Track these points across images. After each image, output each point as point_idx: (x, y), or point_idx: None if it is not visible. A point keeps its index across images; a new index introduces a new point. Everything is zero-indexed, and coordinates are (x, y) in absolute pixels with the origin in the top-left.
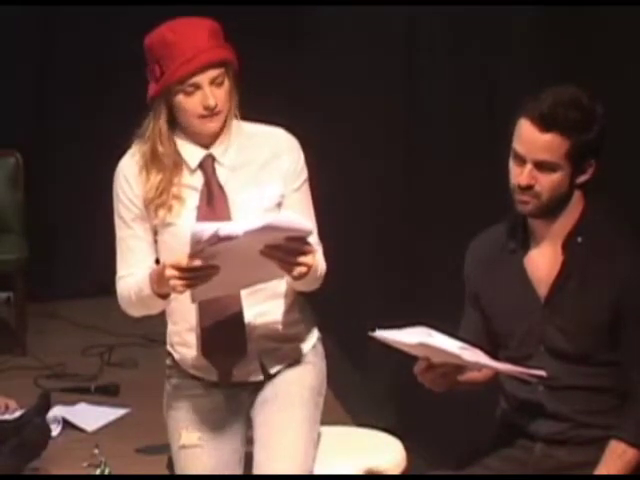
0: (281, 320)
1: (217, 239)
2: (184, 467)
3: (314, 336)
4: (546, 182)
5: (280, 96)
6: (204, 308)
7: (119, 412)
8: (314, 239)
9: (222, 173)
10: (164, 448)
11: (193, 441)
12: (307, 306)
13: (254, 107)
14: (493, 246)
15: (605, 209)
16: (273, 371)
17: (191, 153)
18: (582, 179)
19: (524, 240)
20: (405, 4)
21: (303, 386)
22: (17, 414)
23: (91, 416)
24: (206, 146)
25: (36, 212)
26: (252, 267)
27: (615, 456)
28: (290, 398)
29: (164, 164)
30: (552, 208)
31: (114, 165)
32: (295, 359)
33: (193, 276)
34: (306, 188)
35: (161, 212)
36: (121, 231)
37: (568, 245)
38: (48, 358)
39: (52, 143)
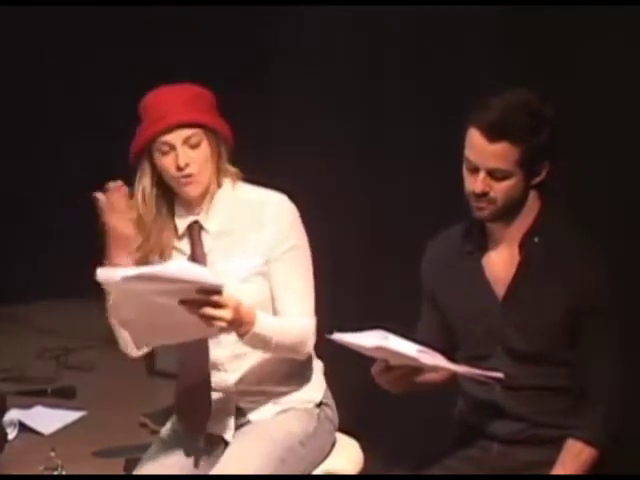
0: (266, 386)
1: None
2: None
3: (312, 401)
4: (500, 188)
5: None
6: (180, 370)
7: (75, 415)
8: (302, 309)
9: (207, 240)
10: (121, 450)
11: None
12: (309, 375)
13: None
14: (451, 247)
15: (561, 209)
16: (253, 417)
17: (181, 218)
18: (537, 180)
19: (481, 242)
20: (372, 4)
21: (281, 429)
22: None
23: (47, 419)
24: (196, 212)
25: None
26: (182, 320)
27: (572, 455)
28: (261, 434)
29: (144, 224)
30: (508, 212)
31: (73, 166)
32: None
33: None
34: (293, 257)
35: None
36: None
37: (525, 245)
38: (4, 361)
39: (11, 143)
